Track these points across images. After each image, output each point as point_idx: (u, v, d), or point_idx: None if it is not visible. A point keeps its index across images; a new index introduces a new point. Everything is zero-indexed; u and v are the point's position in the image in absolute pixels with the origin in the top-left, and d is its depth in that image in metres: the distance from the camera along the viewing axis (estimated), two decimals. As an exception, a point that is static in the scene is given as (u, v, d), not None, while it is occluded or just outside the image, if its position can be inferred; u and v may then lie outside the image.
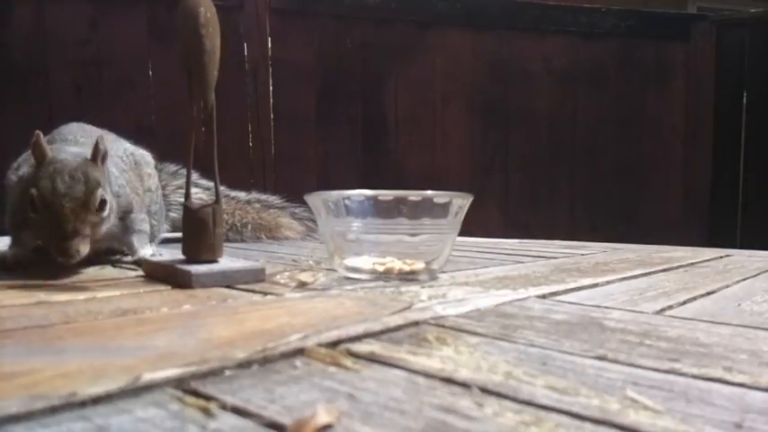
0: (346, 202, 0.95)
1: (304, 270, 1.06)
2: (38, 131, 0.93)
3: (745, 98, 2.90)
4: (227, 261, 0.95)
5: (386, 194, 0.95)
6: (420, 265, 0.97)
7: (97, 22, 2.39)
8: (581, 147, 2.94)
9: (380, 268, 0.96)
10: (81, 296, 0.77)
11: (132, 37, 2.43)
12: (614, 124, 2.95)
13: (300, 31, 2.65)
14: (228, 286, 0.86)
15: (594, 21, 2.92)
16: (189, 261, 0.91)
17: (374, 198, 0.94)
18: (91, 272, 1.02)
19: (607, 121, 2.95)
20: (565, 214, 2.94)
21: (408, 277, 0.96)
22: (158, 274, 0.94)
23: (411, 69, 2.79)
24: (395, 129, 2.76)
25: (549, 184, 2.94)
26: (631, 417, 0.38)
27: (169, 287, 0.86)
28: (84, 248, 0.88)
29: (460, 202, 0.98)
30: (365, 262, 0.97)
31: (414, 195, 0.95)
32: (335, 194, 0.95)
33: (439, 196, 0.95)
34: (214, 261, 0.92)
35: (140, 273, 0.98)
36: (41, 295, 0.77)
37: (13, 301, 0.73)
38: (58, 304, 0.72)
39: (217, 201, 0.94)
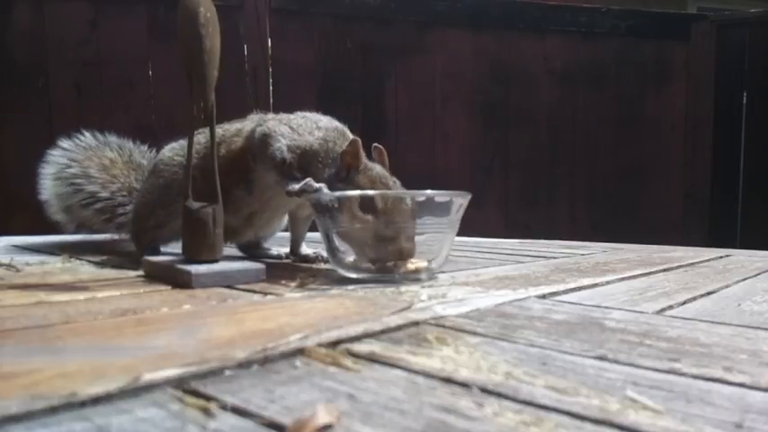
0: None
1: (304, 270, 1.06)
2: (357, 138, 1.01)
3: (745, 98, 2.90)
4: (227, 261, 0.95)
5: (387, 194, 0.96)
6: (423, 264, 0.98)
7: (97, 22, 2.39)
8: (581, 147, 2.94)
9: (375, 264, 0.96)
10: (81, 296, 0.77)
11: (132, 37, 2.43)
12: (614, 124, 2.95)
13: (300, 31, 2.65)
14: (228, 286, 0.86)
15: (594, 21, 2.92)
16: (189, 261, 0.91)
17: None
18: (91, 272, 1.02)
19: (607, 121, 2.95)
20: (565, 214, 2.94)
21: (411, 276, 0.96)
22: (158, 273, 0.94)
23: (411, 69, 2.79)
24: (395, 129, 2.76)
25: (549, 184, 2.94)
26: (631, 417, 0.38)
27: (169, 287, 0.86)
28: None
29: (461, 201, 0.98)
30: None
31: (415, 195, 0.95)
32: (337, 194, 0.95)
33: (439, 195, 0.96)
34: (214, 261, 0.92)
35: (140, 273, 0.98)
36: (41, 295, 0.77)
37: (13, 301, 0.73)
38: (58, 304, 0.72)
39: (217, 201, 0.94)
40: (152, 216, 1.13)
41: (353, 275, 0.96)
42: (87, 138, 1.41)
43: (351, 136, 1.09)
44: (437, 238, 0.98)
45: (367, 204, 0.96)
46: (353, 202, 0.95)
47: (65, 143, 1.39)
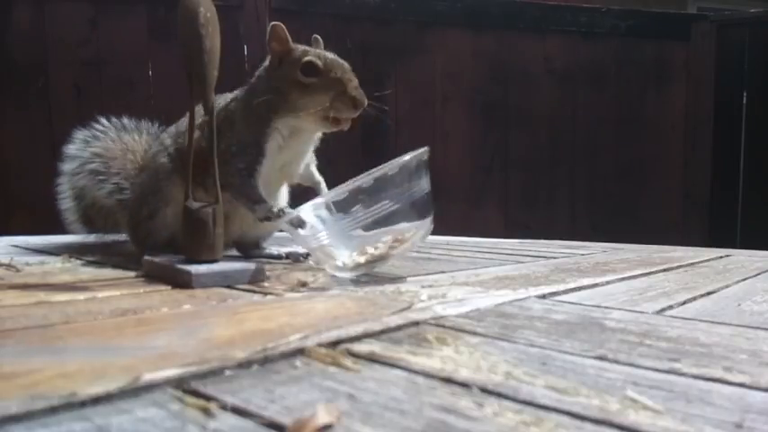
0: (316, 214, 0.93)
1: (304, 270, 1.06)
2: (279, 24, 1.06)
3: (745, 98, 2.90)
4: (227, 261, 0.95)
5: (340, 192, 0.92)
6: (412, 233, 0.96)
7: (97, 22, 2.39)
8: (581, 147, 2.94)
9: (362, 258, 0.95)
10: (81, 296, 0.77)
11: (132, 37, 2.43)
12: (614, 124, 2.95)
13: (300, 31, 2.65)
14: (228, 286, 0.86)
15: (594, 21, 2.92)
16: (189, 261, 0.91)
17: (331, 202, 0.92)
18: (91, 272, 1.02)
19: (607, 121, 2.95)
20: (565, 214, 2.94)
21: (405, 252, 0.95)
22: (158, 273, 0.94)
23: (411, 69, 2.79)
24: (395, 129, 2.76)
25: (549, 184, 2.94)
26: (631, 417, 0.38)
27: (169, 287, 0.86)
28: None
29: (415, 161, 0.94)
30: (349, 257, 0.96)
31: (364, 181, 0.90)
32: (298, 213, 0.94)
33: (388, 167, 0.91)
34: (214, 261, 0.92)
35: (140, 273, 0.98)
36: (41, 295, 0.77)
37: (13, 301, 0.73)
38: (58, 304, 0.72)
39: (217, 200, 0.94)
40: (144, 206, 1.12)
41: (346, 275, 0.96)
42: (105, 125, 1.40)
43: (229, 94, 1.13)
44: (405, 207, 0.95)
45: (309, 69, 1.03)
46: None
47: (82, 134, 1.37)
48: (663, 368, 0.48)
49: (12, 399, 0.38)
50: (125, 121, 1.42)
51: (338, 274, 0.97)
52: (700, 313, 0.72)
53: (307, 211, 0.94)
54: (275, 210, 1.03)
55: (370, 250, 0.96)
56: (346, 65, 1.06)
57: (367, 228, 0.94)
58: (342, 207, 0.92)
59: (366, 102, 1.03)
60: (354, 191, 0.91)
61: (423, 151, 0.96)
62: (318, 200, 0.96)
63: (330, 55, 1.07)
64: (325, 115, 1.04)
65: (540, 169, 2.93)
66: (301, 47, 1.08)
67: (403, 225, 0.96)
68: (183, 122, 1.15)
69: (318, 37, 1.13)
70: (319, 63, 1.04)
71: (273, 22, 1.04)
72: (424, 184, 0.97)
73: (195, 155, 1.04)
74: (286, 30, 1.05)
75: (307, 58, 1.04)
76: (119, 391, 0.40)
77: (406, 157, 0.94)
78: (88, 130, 1.38)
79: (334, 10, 2.68)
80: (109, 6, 2.41)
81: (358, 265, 0.96)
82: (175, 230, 1.08)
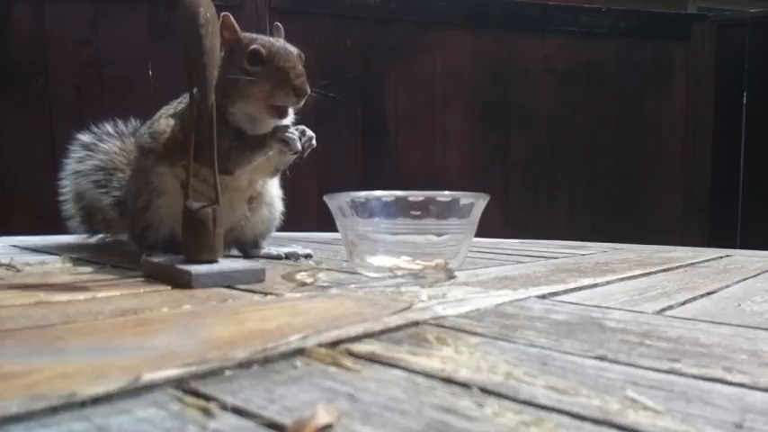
0: (374, 202, 0.95)
1: (304, 270, 1.06)
2: (227, 14, 1.05)
3: (745, 98, 2.90)
4: (227, 261, 0.95)
5: (416, 195, 0.96)
6: (443, 263, 0.98)
7: (97, 22, 2.39)
8: (581, 147, 2.94)
9: (418, 266, 0.96)
10: (81, 296, 0.77)
11: (132, 37, 2.43)
12: (614, 124, 2.95)
13: (300, 31, 2.65)
14: (228, 286, 0.86)
15: (594, 21, 2.92)
16: (189, 261, 0.91)
17: (404, 198, 0.95)
18: (91, 272, 1.02)
19: (607, 121, 2.95)
20: (565, 214, 2.94)
21: (439, 276, 0.97)
22: (158, 274, 0.94)
23: (411, 69, 2.79)
24: (395, 129, 2.76)
25: (549, 184, 2.94)
26: (631, 417, 0.38)
27: (169, 287, 0.86)
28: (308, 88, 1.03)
29: (482, 204, 0.99)
30: (391, 261, 0.97)
31: (442, 196, 0.96)
32: (363, 194, 0.96)
33: (465, 197, 0.97)
34: (214, 261, 0.92)
35: (140, 273, 0.98)
36: (41, 295, 0.77)
37: (13, 301, 0.73)
38: (58, 304, 0.72)
39: (217, 201, 0.94)
40: (138, 199, 1.12)
41: (372, 275, 0.96)
42: (109, 130, 1.39)
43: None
44: (457, 239, 0.98)
45: (254, 57, 1.03)
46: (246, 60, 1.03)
47: (85, 137, 1.37)
48: (663, 368, 0.48)
49: (12, 399, 0.38)
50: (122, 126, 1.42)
51: (363, 271, 0.98)
52: (700, 313, 0.72)
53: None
54: (290, 131, 1.05)
55: (407, 263, 0.97)
56: (294, 53, 1.06)
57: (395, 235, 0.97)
58: (387, 211, 0.95)
59: (308, 90, 1.04)
60: (402, 200, 0.95)
61: (483, 200, 0.99)
62: (387, 192, 0.97)
63: (278, 43, 1.07)
64: (268, 103, 1.05)
65: (540, 169, 2.93)
66: (250, 35, 1.08)
67: (431, 238, 0.98)
68: (155, 114, 1.18)
69: (279, 25, 1.13)
70: (263, 52, 1.04)
71: (223, 13, 1.03)
72: (469, 227, 0.99)
73: (174, 144, 1.06)
74: (233, 19, 1.05)
75: (252, 47, 1.04)
76: (119, 391, 0.40)
77: (468, 199, 0.97)
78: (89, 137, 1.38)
79: (334, 10, 2.68)
80: (109, 6, 2.40)
81: (393, 270, 0.96)
82: (173, 226, 1.07)
